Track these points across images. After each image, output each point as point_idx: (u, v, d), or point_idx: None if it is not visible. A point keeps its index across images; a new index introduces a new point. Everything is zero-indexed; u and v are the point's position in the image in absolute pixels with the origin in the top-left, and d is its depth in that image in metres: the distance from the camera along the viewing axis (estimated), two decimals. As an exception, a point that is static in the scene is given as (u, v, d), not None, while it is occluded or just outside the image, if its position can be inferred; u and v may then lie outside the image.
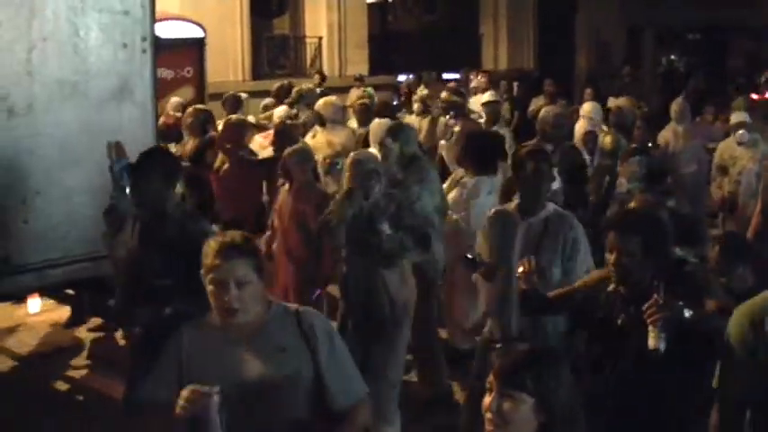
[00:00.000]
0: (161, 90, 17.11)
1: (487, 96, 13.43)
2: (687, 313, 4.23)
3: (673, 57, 26.62)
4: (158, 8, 20.26)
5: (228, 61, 21.56)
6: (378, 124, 10.52)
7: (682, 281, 4.60)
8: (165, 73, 20.22)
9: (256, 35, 22.64)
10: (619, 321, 4.54)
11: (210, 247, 3.89)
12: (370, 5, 24.44)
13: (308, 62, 23.41)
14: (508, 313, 5.93)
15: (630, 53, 26.44)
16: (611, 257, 4.60)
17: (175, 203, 5.84)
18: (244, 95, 13.86)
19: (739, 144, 11.23)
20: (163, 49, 19.32)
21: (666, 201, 7.88)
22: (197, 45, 20.51)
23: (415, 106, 14.64)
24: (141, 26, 7.05)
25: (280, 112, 12.37)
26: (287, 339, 3.93)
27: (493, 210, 6.35)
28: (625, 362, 4.45)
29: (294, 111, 12.67)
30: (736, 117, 11.70)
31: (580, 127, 12.37)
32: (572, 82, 24.41)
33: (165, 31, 19.78)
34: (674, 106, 12.69)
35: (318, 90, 14.68)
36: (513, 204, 6.24)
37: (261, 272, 3.94)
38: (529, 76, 22.81)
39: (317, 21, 23.57)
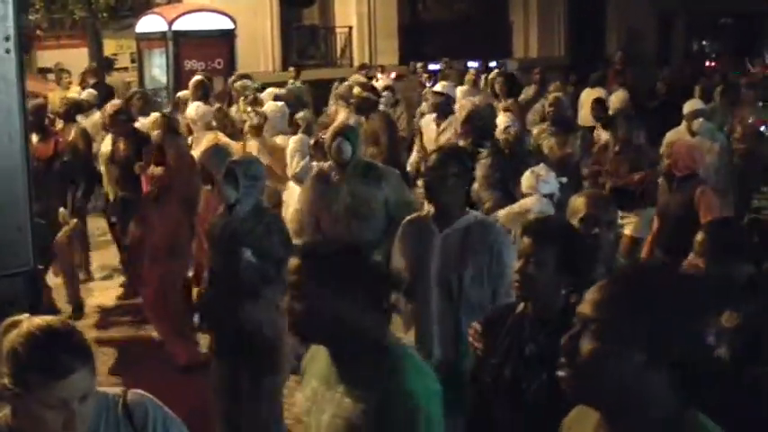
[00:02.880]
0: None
1: (438, 87, 11.31)
2: None
3: (704, 42, 25.37)
4: (189, 0, 20.14)
5: (259, 52, 20.89)
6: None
7: None
8: (196, 65, 19.66)
9: (286, 25, 21.92)
10: (527, 350, 3.70)
11: (27, 354, 2.63)
12: (400, -6, 23.57)
13: (339, 52, 22.62)
14: (428, 341, 5.05)
15: (661, 39, 25.30)
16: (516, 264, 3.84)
17: None
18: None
19: (694, 135, 9.65)
20: (193, 42, 19.25)
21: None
22: (227, 36, 19.92)
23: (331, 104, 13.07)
24: (2, 24, 6.07)
25: (191, 110, 10.67)
26: None
27: (405, 219, 5.38)
28: (533, 397, 3.62)
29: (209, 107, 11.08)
30: (690, 105, 10.20)
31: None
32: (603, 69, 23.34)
33: (196, 23, 19.34)
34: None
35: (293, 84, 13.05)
36: (427, 212, 5.24)
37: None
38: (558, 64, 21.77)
39: (347, 10, 22.79)
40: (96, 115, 11.77)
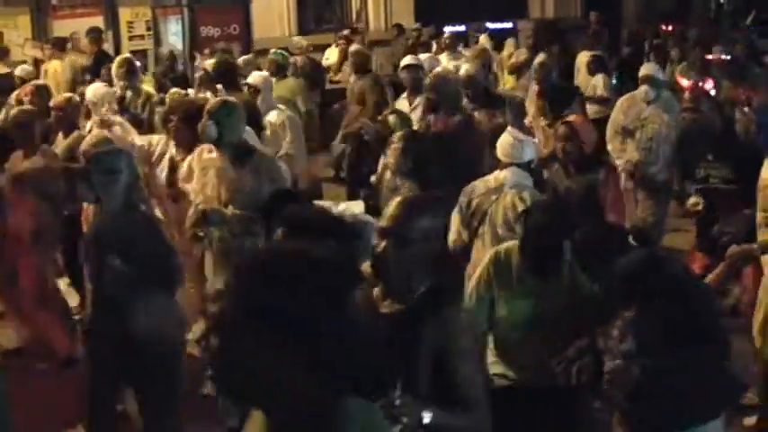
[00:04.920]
0: (208, 48, 16.56)
1: (408, 60, 10.02)
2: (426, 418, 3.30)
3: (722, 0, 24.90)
4: (203, -34, 20.02)
5: (274, 17, 20.69)
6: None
7: None
8: (212, 31, 19.57)
9: (301, -11, 21.65)
10: None
11: None
12: (414, -45, 23.10)
13: (354, 15, 22.32)
14: None
15: (679, -4, 24.91)
16: None
17: None
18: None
19: (648, 103, 9.15)
20: (208, 8, 19.09)
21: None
22: (242, 2, 19.79)
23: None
24: None
25: (89, 92, 9.46)
26: None
27: None
28: None
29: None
30: (644, 69, 9.57)
31: None
32: (620, 29, 22.99)
33: (211, -12, 19.21)
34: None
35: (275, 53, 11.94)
36: None
37: None
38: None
39: (362, -27, 22.42)
40: None
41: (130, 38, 19.66)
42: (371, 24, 21.94)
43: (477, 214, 6.08)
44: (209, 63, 10.70)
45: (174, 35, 19.16)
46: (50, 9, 18.43)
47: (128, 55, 11.40)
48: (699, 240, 7.24)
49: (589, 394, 4.79)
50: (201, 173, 6.64)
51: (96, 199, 5.47)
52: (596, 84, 12.50)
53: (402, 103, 9.49)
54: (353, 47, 12.24)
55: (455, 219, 6.21)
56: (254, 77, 9.43)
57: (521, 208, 5.84)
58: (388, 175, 6.77)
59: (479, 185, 6.27)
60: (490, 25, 20.93)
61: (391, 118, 8.25)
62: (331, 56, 17.44)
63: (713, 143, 7.40)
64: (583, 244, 4.63)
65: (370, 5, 22.37)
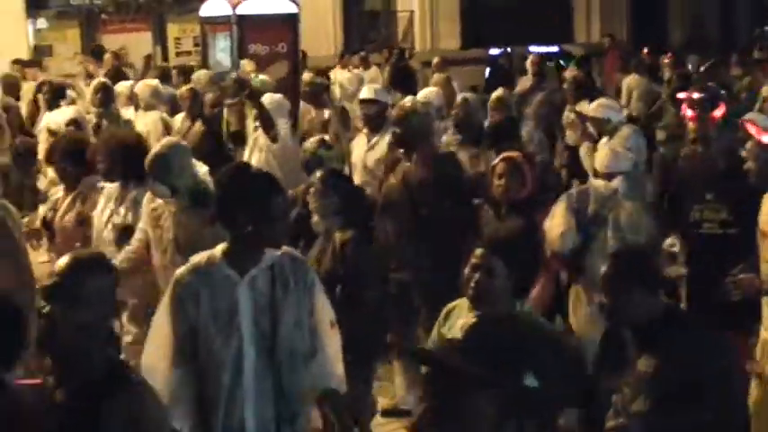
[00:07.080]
0: (256, 66, 16.41)
1: (365, 93, 8.56)
2: None
3: (766, 28, 24.50)
4: (251, -17, 19.95)
5: (321, 36, 20.60)
6: None
7: None
8: (260, 49, 19.39)
9: (348, 9, 21.60)
10: None
11: None
12: (461, -22, 22.99)
13: (400, 36, 22.23)
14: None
15: (724, 23, 24.62)
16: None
17: None
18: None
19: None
20: (257, 25, 18.98)
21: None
22: (290, 20, 19.63)
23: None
24: None
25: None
26: None
27: (184, 268, 4.21)
28: None
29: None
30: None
31: None
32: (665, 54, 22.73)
33: (259, 7, 19.05)
34: None
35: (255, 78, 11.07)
36: (217, 253, 4.15)
37: None
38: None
39: (409, -6, 22.35)
40: None
41: (177, 53, 19.60)
42: (417, 45, 21.79)
43: (598, 220, 6.15)
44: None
45: (222, 51, 18.97)
46: (100, 23, 18.37)
47: (103, 79, 10.77)
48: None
49: None
50: (153, 219, 6.07)
51: None
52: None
53: (361, 140, 8.46)
54: (306, 75, 11.11)
55: (566, 222, 6.14)
56: (265, 98, 8.81)
57: (644, 217, 6.11)
58: (315, 218, 6.06)
59: (590, 192, 6.32)
60: (534, 49, 20.65)
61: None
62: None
63: (715, 181, 6.18)
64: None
65: (417, 27, 22.26)
